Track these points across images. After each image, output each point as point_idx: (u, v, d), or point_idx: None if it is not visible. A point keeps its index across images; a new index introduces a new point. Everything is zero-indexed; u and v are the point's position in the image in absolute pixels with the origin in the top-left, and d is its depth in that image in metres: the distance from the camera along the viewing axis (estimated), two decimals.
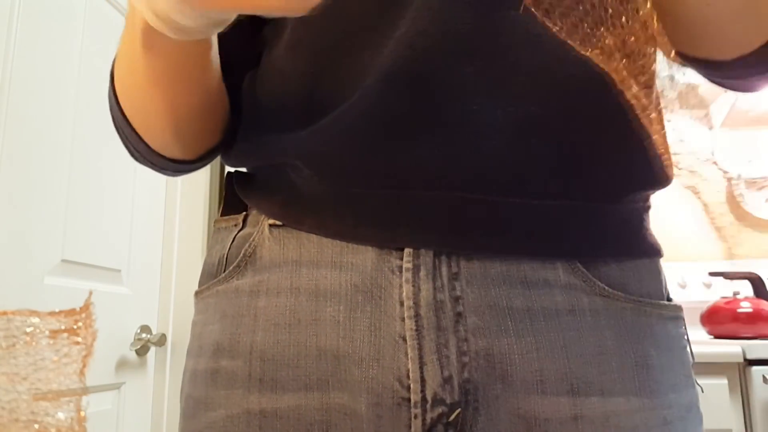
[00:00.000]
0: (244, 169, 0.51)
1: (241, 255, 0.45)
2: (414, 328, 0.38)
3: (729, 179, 2.02)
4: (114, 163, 1.39)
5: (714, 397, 1.37)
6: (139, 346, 1.46)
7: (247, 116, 0.48)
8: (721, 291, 1.80)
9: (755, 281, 1.71)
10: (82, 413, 0.26)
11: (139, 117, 0.45)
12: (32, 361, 0.26)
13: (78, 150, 1.31)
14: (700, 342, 1.54)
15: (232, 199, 0.49)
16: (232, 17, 0.34)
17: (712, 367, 1.38)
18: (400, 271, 0.39)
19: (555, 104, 0.39)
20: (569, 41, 0.26)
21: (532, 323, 0.39)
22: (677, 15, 0.39)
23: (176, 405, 0.48)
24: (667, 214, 1.99)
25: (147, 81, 0.42)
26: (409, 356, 0.38)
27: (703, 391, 0.46)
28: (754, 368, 1.38)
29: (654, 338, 0.42)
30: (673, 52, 0.26)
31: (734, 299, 1.66)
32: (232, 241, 0.46)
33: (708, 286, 1.89)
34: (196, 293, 0.49)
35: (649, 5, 0.25)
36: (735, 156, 2.02)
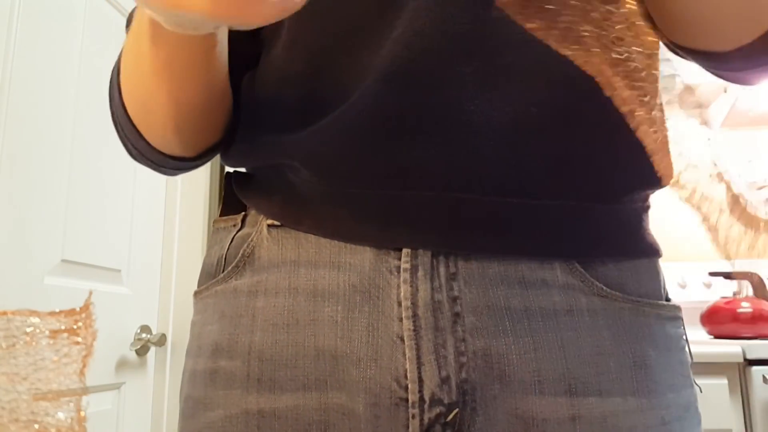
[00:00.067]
0: (243, 170, 0.51)
1: (240, 255, 0.45)
2: (412, 328, 0.39)
3: (729, 179, 2.01)
4: (114, 163, 1.39)
5: (714, 397, 1.37)
6: (139, 346, 1.46)
7: (245, 116, 0.48)
8: (721, 291, 1.80)
9: (755, 281, 1.71)
10: (82, 413, 0.26)
11: (141, 112, 0.45)
12: (32, 361, 0.26)
13: (78, 150, 1.31)
14: (700, 342, 1.55)
15: (231, 200, 0.49)
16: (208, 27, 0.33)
17: (712, 367, 1.39)
18: (398, 272, 0.39)
19: (552, 104, 0.39)
20: (546, 40, 0.25)
21: (529, 323, 0.39)
22: (674, 5, 0.39)
23: (176, 405, 0.48)
24: (667, 214, 1.99)
25: (152, 74, 0.42)
26: (406, 356, 0.38)
27: (701, 392, 0.46)
28: (754, 368, 1.38)
29: (652, 338, 0.42)
30: (658, 46, 0.25)
31: (734, 299, 1.66)
32: (231, 241, 0.47)
33: (708, 286, 1.89)
34: (195, 293, 0.49)
35: None
36: (735, 156, 2.02)
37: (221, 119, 0.48)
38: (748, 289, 1.71)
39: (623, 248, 0.43)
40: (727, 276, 1.75)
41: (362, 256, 0.40)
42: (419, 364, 0.38)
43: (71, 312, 0.27)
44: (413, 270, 0.39)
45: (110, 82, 0.48)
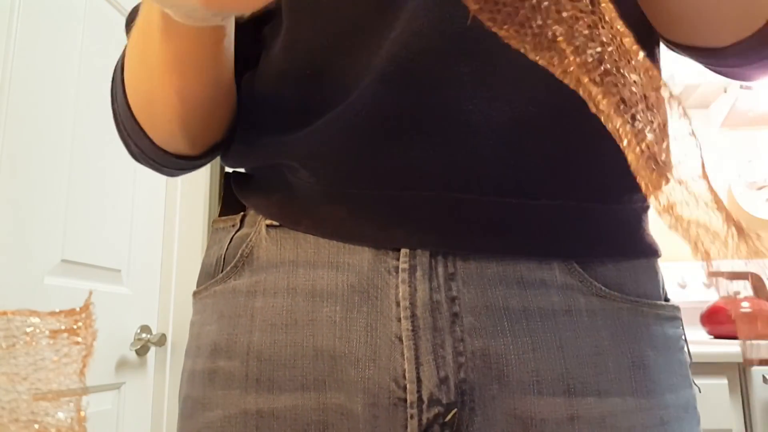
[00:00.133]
0: (242, 170, 0.51)
1: (239, 255, 0.45)
2: (410, 328, 0.39)
3: (729, 179, 2.02)
4: (114, 163, 1.39)
5: (714, 397, 1.37)
6: (139, 346, 1.46)
7: (244, 116, 0.48)
8: (721, 291, 1.80)
9: (755, 281, 1.71)
10: (82, 413, 0.26)
11: (145, 109, 0.45)
12: (32, 361, 0.26)
13: (78, 150, 1.31)
14: (700, 342, 1.55)
15: (230, 200, 0.49)
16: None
17: (712, 367, 1.39)
18: (397, 272, 0.40)
19: (551, 103, 0.39)
20: (520, 48, 0.25)
21: (528, 323, 0.39)
22: (670, 1, 0.39)
23: (176, 405, 0.49)
24: None
25: (160, 68, 0.42)
26: (405, 356, 0.38)
27: (701, 392, 0.46)
28: (754, 368, 1.38)
29: (651, 338, 0.42)
30: (638, 48, 0.24)
31: (734, 299, 1.66)
32: (230, 241, 0.47)
33: (708, 286, 1.89)
34: (194, 294, 0.49)
35: None
36: (735, 156, 2.02)
37: (226, 115, 0.48)
38: (748, 289, 1.70)
39: (622, 248, 0.43)
40: (727, 276, 1.75)
41: (361, 257, 0.41)
42: (418, 364, 0.38)
43: (71, 312, 0.27)
44: (412, 270, 0.39)
45: (112, 81, 0.48)
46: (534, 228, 0.41)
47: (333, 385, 0.40)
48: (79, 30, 1.34)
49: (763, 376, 1.37)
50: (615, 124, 0.25)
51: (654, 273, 0.45)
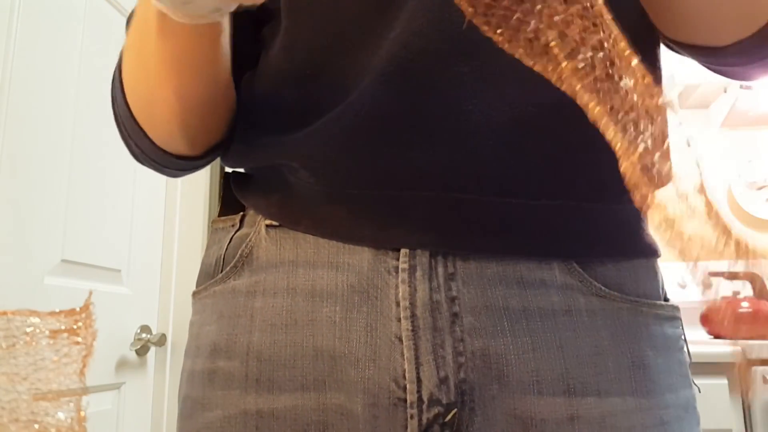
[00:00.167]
0: (242, 170, 0.51)
1: (238, 255, 0.45)
2: (410, 328, 0.39)
3: (729, 179, 2.01)
4: (114, 163, 1.39)
5: (714, 397, 1.37)
6: (139, 346, 1.46)
7: (244, 116, 0.48)
8: (721, 291, 1.80)
9: (755, 281, 1.71)
10: (82, 413, 0.26)
11: (145, 110, 0.45)
12: (32, 361, 0.26)
13: (78, 150, 1.31)
14: (700, 342, 1.55)
15: (229, 200, 0.49)
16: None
17: (712, 367, 1.38)
18: (396, 272, 0.40)
19: (551, 103, 0.39)
20: (515, 54, 0.25)
21: (528, 323, 0.39)
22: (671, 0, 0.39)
23: (176, 405, 0.48)
24: None
25: (156, 67, 0.42)
26: (405, 357, 0.38)
27: (700, 392, 0.46)
28: (754, 368, 1.38)
29: (650, 338, 0.42)
30: (632, 53, 0.24)
31: (734, 299, 1.66)
32: (229, 241, 0.47)
33: (702, 291, 1.89)
34: (194, 294, 0.49)
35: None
36: (735, 156, 2.02)
37: (225, 115, 0.47)
38: (748, 289, 1.70)
39: (622, 248, 0.43)
40: (727, 276, 1.75)
41: (360, 257, 0.41)
42: (417, 365, 0.38)
43: (71, 312, 0.27)
44: (411, 270, 0.39)
45: (112, 82, 0.48)
46: (534, 228, 0.41)
47: (333, 386, 0.40)
48: (79, 30, 1.34)
49: (763, 376, 1.37)
50: (608, 132, 0.25)
51: (654, 273, 0.45)
